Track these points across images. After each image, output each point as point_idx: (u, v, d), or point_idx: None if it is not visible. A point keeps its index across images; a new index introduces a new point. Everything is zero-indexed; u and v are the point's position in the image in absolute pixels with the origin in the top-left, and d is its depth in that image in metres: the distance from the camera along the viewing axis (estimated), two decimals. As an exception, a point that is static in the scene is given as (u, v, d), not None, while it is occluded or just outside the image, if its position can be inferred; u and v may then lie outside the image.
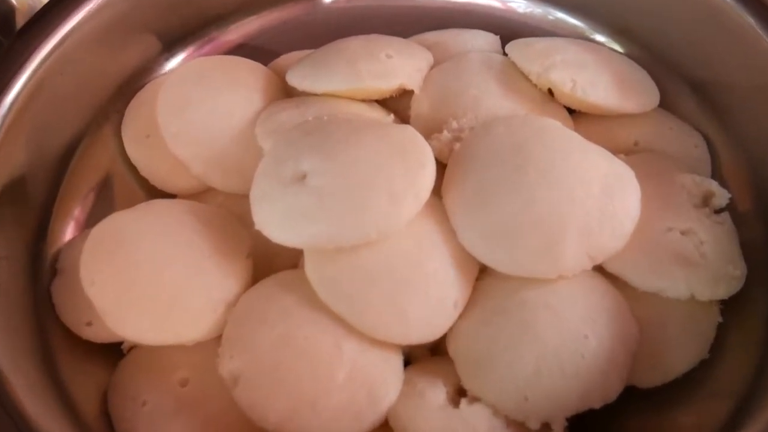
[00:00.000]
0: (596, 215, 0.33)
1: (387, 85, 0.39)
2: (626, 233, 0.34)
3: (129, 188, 0.41)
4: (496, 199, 0.33)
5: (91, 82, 0.40)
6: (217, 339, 0.33)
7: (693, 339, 0.34)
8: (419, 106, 0.40)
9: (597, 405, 0.31)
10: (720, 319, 0.35)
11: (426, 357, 0.36)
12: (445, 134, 0.38)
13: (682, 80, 0.42)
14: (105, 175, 0.41)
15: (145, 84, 0.43)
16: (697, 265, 0.34)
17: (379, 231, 0.32)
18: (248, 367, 0.31)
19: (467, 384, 0.32)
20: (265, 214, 0.33)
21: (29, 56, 0.36)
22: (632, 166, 0.36)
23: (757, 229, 0.38)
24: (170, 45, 0.44)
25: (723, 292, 0.34)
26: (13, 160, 0.36)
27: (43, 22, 0.37)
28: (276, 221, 0.33)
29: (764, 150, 0.39)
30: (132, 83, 0.43)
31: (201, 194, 0.40)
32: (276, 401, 0.31)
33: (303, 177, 0.33)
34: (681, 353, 0.34)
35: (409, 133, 0.35)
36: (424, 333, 0.33)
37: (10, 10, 0.41)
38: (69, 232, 0.38)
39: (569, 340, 0.32)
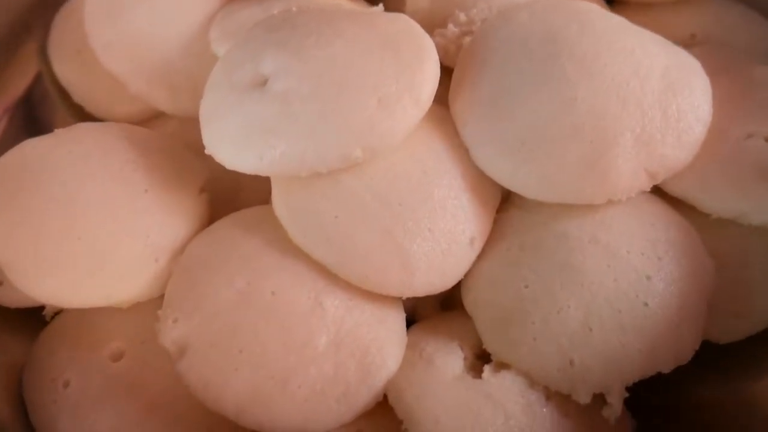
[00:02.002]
0: (656, 117, 0.25)
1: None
2: (695, 141, 0.25)
3: (57, 119, 0.32)
4: (520, 101, 0.25)
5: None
6: (159, 300, 0.25)
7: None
8: (417, 2, 0.32)
9: (667, 368, 0.23)
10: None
11: (435, 313, 0.28)
12: (451, 28, 0.30)
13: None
14: (24, 101, 0.32)
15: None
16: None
17: (366, 148, 0.24)
18: (198, 334, 0.23)
19: (491, 346, 0.24)
20: (217, 133, 0.25)
21: None
22: (696, 59, 0.27)
23: None
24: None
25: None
26: None
27: None
28: (230, 140, 0.25)
29: None
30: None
31: (148, 122, 0.32)
32: (235, 379, 0.23)
33: (264, 82, 0.25)
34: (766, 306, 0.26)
35: (403, 21, 0.27)
36: (432, 281, 0.25)
37: None
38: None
39: (627, 284, 0.24)
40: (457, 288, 0.26)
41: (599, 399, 0.23)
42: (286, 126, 0.24)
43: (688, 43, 0.31)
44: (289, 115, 0.24)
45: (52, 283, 0.24)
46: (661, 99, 0.25)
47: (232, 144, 0.25)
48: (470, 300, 0.26)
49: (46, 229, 0.24)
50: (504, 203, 0.27)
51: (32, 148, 0.26)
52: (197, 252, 0.25)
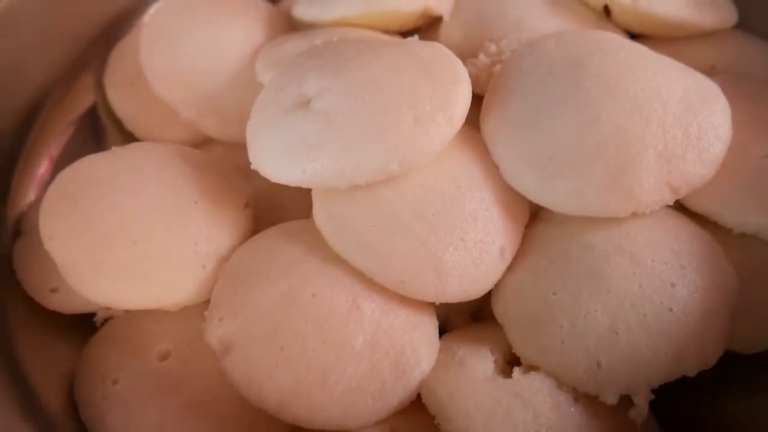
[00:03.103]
0: (678, 135, 0.26)
1: (409, 5, 0.33)
2: (716, 157, 0.27)
3: (109, 146, 0.35)
4: (547, 120, 0.27)
5: (68, 24, 0.35)
6: (205, 304, 0.26)
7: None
8: (450, 35, 0.34)
9: (692, 372, 0.24)
10: (838, 268, 0.27)
11: (467, 324, 0.29)
12: (482, 58, 0.31)
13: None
14: (81, 129, 0.35)
15: (130, 30, 0.37)
16: (808, 198, 0.27)
17: (403, 162, 0.25)
18: (242, 333, 0.25)
19: (520, 350, 0.25)
20: (263, 149, 0.27)
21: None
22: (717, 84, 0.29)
23: None
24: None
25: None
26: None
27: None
28: (275, 155, 0.26)
29: None
30: (116, 29, 0.37)
31: (196, 147, 0.34)
32: (277, 375, 0.24)
33: (307, 102, 0.27)
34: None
35: (437, 48, 0.28)
36: (464, 288, 0.26)
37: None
38: (34, 194, 0.32)
39: (651, 290, 0.25)
40: (487, 302, 0.28)
41: (626, 401, 0.24)
42: (328, 141, 0.26)
43: (708, 72, 0.33)
44: (331, 131, 0.26)
45: (107, 285, 0.26)
46: (681, 118, 0.27)
47: (277, 158, 0.26)
48: (500, 309, 0.27)
49: (102, 234, 0.26)
50: (532, 219, 0.29)
51: (91, 162, 0.28)
52: (242, 259, 0.27)
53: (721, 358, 0.26)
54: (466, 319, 0.29)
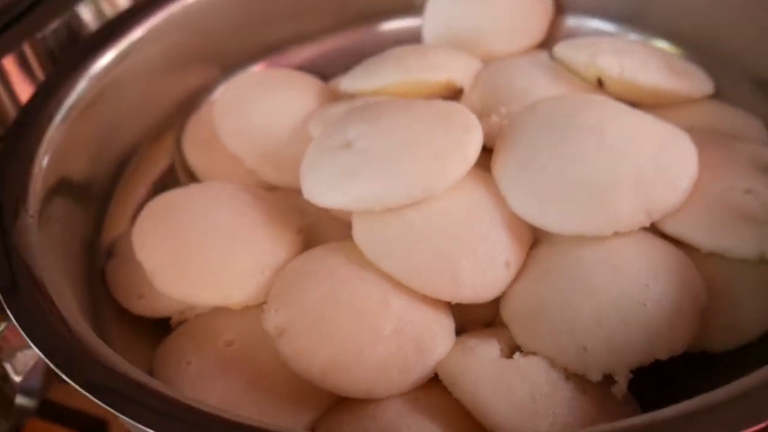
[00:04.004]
0: (650, 169, 0.32)
1: (435, 76, 0.40)
2: (684, 187, 0.32)
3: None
4: (543, 159, 0.33)
5: (154, 95, 0.43)
6: (261, 305, 0.32)
7: (766, 303, 0.32)
8: (469, 102, 0.41)
9: (664, 356, 0.29)
10: (796, 283, 0.32)
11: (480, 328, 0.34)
12: (494, 118, 0.38)
13: (740, 75, 0.41)
14: (162, 178, 0.42)
15: (204, 102, 0.45)
16: (765, 223, 0.32)
17: (424, 189, 0.32)
18: (293, 320, 0.31)
19: (521, 339, 0.31)
20: (313, 181, 0.33)
21: (94, 59, 0.39)
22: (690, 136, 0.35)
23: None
24: (229, 68, 0.46)
25: (795, 252, 0.32)
26: (75, 156, 0.37)
27: (111, 28, 0.40)
28: (323, 185, 0.33)
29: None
30: (193, 101, 0.45)
31: (257, 192, 0.41)
32: (320, 351, 0.30)
33: (348, 144, 0.33)
34: (753, 315, 0.31)
35: (456, 105, 0.35)
36: (476, 290, 0.31)
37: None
38: (123, 226, 0.39)
39: (629, 290, 0.30)
40: (497, 315, 0.33)
41: (609, 379, 0.29)
42: (364, 173, 0.32)
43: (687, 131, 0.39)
44: (367, 165, 0.32)
45: (186, 285, 0.32)
46: (654, 157, 0.33)
47: (324, 187, 0.33)
48: (506, 312, 0.32)
49: (183, 246, 0.33)
50: (536, 242, 0.34)
51: (175, 193, 0.35)
52: (294, 267, 0.33)
53: (695, 357, 0.31)
54: (479, 327, 0.34)
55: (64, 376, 0.24)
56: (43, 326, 0.26)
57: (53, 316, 0.26)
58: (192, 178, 0.42)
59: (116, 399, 0.23)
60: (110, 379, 0.24)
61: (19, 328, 0.25)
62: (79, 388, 0.24)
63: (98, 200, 0.38)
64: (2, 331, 0.29)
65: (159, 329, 0.35)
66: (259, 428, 0.23)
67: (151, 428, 0.22)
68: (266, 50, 0.47)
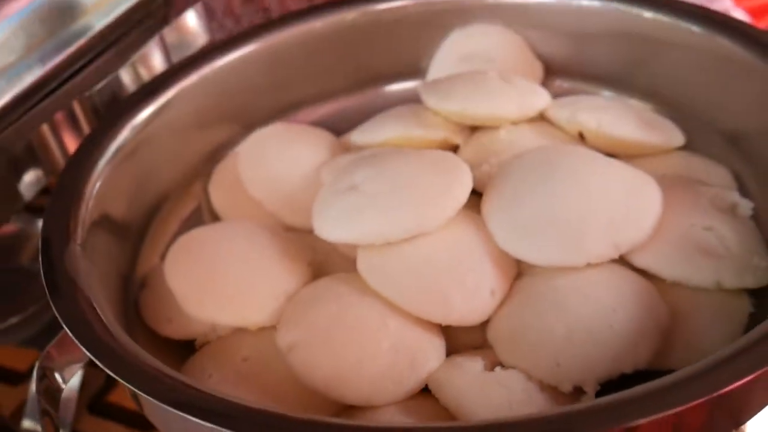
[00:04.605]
0: (619, 209, 0.37)
1: (432, 135, 0.45)
2: (649, 225, 0.37)
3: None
4: (526, 201, 0.38)
5: (185, 147, 0.48)
6: (273, 328, 0.37)
7: (724, 326, 0.36)
8: (464, 156, 0.45)
9: (628, 369, 0.33)
10: (751, 309, 0.36)
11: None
12: (485, 166, 0.43)
13: (712, 130, 0.45)
14: (190, 218, 0.47)
15: (229, 154, 0.50)
16: (722, 256, 0.37)
17: (419, 226, 0.36)
18: (302, 338, 0.35)
19: (502, 357, 0.35)
20: (323, 219, 0.38)
21: (133, 115, 0.44)
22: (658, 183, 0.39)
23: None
24: (252, 124, 0.51)
25: (750, 281, 0.36)
26: (115, 198, 0.42)
27: (148, 89, 0.46)
28: (331, 222, 0.38)
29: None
30: (219, 152, 0.50)
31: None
32: (325, 365, 0.34)
33: (355, 187, 0.38)
34: (711, 337, 0.35)
35: (448, 154, 0.40)
36: (463, 314, 0.36)
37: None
38: (154, 261, 0.44)
39: (598, 313, 0.34)
40: (486, 341, 0.37)
41: (578, 389, 0.33)
42: (368, 212, 0.37)
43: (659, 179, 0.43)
44: (370, 206, 0.37)
45: (211, 308, 0.37)
46: (623, 197, 0.37)
47: (332, 224, 0.37)
48: (491, 335, 0.36)
49: (208, 273, 0.37)
50: (519, 275, 0.39)
51: (202, 228, 0.40)
52: (305, 293, 0.37)
53: (658, 374, 0.35)
54: (468, 350, 0.38)
55: (111, 373, 0.28)
56: (89, 331, 0.30)
57: (98, 323, 0.31)
58: (216, 218, 0.47)
59: (163, 393, 0.28)
60: (155, 378, 0.28)
61: (69, 331, 0.30)
62: (127, 384, 0.28)
63: (134, 237, 0.43)
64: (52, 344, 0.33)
65: (185, 350, 0.39)
66: (297, 418, 0.26)
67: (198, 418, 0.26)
68: (285, 108, 0.52)
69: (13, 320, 0.60)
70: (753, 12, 0.90)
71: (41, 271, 0.34)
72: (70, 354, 0.35)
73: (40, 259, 0.34)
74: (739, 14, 0.88)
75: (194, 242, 0.40)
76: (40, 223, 0.66)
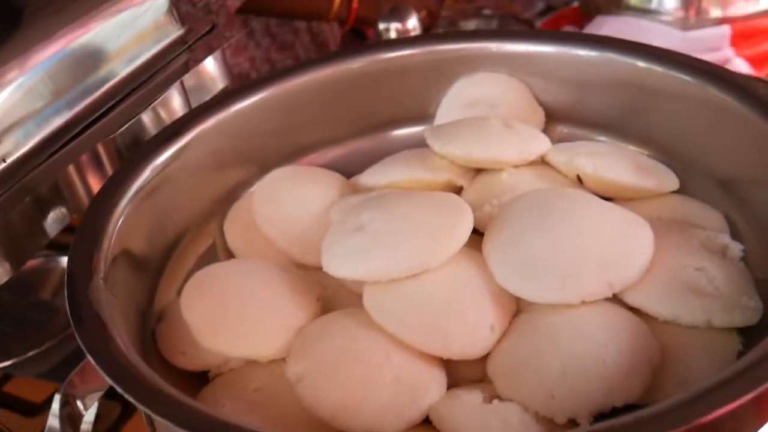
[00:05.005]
0: (613, 249, 0.38)
1: (437, 178, 0.47)
2: (641, 265, 0.38)
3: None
4: (523, 240, 0.40)
5: (202, 187, 0.50)
6: (283, 361, 0.39)
7: (714, 363, 0.37)
8: (467, 197, 0.48)
9: (619, 403, 0.34)
10: (740, 347, 0.38)
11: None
12: (487, 207, 0.45)
13: (705, 175, 0.47)
14: (206, 256, 0.49)
15: (243, 194, 0.53)
16: (712, 296, 0.38)
17: (422, 264, 0.38)
18: (310, 369, 0.37)
19: (501, 390, 0.36)
20: (331, 257, 0.40)
21: (153, 157, 0.47)
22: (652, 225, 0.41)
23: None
24: (265, 167, 0.53)
25: (739, 319, 0.38)
26: (135, 235, 0.44)
27: (168, 132, 0.48)
28: (339, 260, 0.40)
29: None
30: (234, 192, 0.52)
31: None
32: (332, 396, 0.36)
33: (362, 227, 0.40)
34: (700, 373, 0.37)
35: (450, 195, 0.43)
36: (464, 348, 0.38)
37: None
38: (171, 296, 0.46)
39: (592, 349, 0.36)
40: (486, 375, 0.39)
41: (572, 422, 0.34)
42: (374, 250, 0.39)
43: (653, 221, 0.45)
44: (376, 244, 0.39)
45: (224, 340, 0.39)
46: (616, 239, 0.39)
47: (341, 262, 0.40)
48: (490, 369, 0.38)
49: (222, 307, 0.40)
50: (517, 311, 0.40)
51: (216, 266, 0.43)
52: (313, 327, 0.39)
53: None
54: (469, 384, 0.40)
55: (132, 399, 0.30)
56: (111, 360, 0.32)
57: (119, 354, 0.33)
58: (230, 256, 0.49)
59: (181, 418, 0.29)
60: (173, 405, 0.30)
61: (92, 360, 0.32)
62: (146, 409, 0.30)
63: (153, 272, 0.45)
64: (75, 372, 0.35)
65: (198, 380, 0.41)
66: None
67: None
68: (297, 151, 0.55)
69: (32, 353, 0.62)
70: (753, 60, 0.92)
71: (66, 304, 0.36)
72: (92, 383, 0.37)
73: (65, 292, 0.36)
74: (740, 63, 0.91)
75: (209, 278, 0.42)
76: (60, 258, 0.69)
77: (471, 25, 1.26)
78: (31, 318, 0.68)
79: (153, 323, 0.44)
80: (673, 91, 0.48)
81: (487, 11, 1.35)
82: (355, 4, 1.00)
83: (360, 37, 1.07)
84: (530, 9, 1.42)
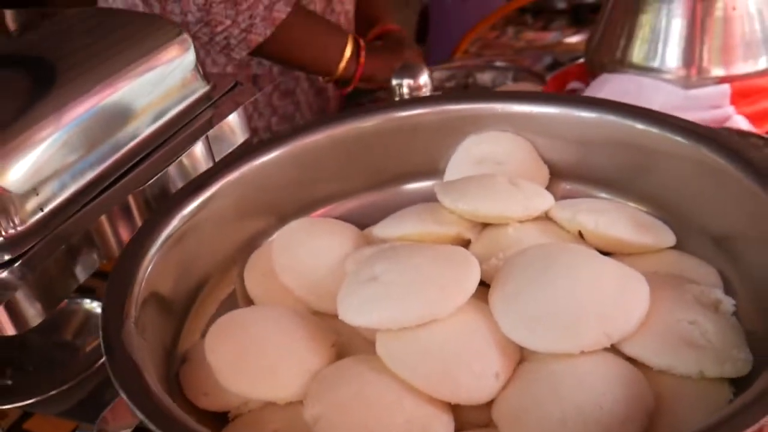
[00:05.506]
0: (611, 302, 0.41)
1: (446, 231, 0.50)
2: (638, 318, 0.41)
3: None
4: (527, 293, 0.42)
5: (224, 236, 0.53)
6: (300, 403, 0.41)
7: (706, 411, 0.39)
8: (474, 250, 0.51)
9: (616, 449, 0.37)
10: (731, 397, 0.40)
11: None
12: (493, 260, 0.48)
13: (701, 232, 0.50)
14: (227, 302, 0.52)
15: (263, 244, 0.56)
16: (705, 348, 0.41)
17: (432, 314, 0.41)
18: (326, 412, 0.39)
19: (503, 431, 0.39)
20: (346, 305, 0.43)
21: (180, 208, 0.50)
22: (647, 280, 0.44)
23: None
24: (283, 217, 0.56)
25: (730, 371, 0.40)
26: (163, 280, 0.47)
27: (194, 185, 0.51)
28: (354, 308, 0.43)
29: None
30: (254, 242, 0.55)
31: (302, 317, 0.50)
32: (347, 435, 0.38)
33: (376, 278, 0.43)
34: (693, 421, 0.39)
35: (460, 249, 0.45)
36: (470, 394, 0.40)
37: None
38: (195, 338, 0.49)
39: (590, 396, 0.38)
40: (491, 420, 0.41)
41: (572, 465, 0.37)
42: (387, 300, 0.42)
43: (650, 276, 0.48)
44: (389, 294, 0.42)
45: (245, 383, 0.41)
46: (614, 293, 0.42)
47: (355, 310, 0.42)
48: (495, 415, 0.40)
49: (244, 352, 0.42)
50: (522, 360, 0.43)
51: (239, 312, 0.45)
52: (329, 371, 0.42)
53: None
54: (475, 428, 0.42)
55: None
56: (143, 399, 0.35)
57: (149, 391, 0.36)
58: (249, 301, 0.52)
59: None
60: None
61: (126, 398, 0.34)
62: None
63: (177, 316, 0.48)
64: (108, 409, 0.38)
65: (219, 421, 0.44)
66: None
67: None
68: (314, 203, 0.58)
69: (53, 392, 0.64)
70: (753, 118, 0.95)
71: (102, 347, 0.38)
72: (122, 420, 0.39)
73: (100, 336, 0.39)
74: (740, 120, 0.94)
75: (232, 323, 0.44)
76: (83, 300, 0.72)
77: (486, 77, 1.30)
78: (54, 358, 0.70)
79: (177, 364, 0.46)
80: (669, 152, 0.51)
81: (500, 63, 1.39)
82: (362, 60, 1.04)
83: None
84: (539, 62, 1.47)
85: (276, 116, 1.17)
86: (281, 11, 0.92)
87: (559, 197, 0.55)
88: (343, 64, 0.99)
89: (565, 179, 0.57)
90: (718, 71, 0.96)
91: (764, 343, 0.42)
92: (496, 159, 0.57)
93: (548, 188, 0.56)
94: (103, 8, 0.99)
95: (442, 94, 0.93)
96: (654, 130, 0.51)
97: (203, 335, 0.46)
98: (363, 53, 1.00)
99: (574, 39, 1.53)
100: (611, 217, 0.49)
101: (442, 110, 0.58)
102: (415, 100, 0.62)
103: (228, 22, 0.89)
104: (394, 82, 0.92)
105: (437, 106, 0.58)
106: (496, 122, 0.58)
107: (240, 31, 0.90)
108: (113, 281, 0.43)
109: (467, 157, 0.58)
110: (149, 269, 0.45)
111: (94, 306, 0.73)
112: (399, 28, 1.30)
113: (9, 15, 0.67)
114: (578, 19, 1.61)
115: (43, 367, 0.69)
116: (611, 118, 0.54)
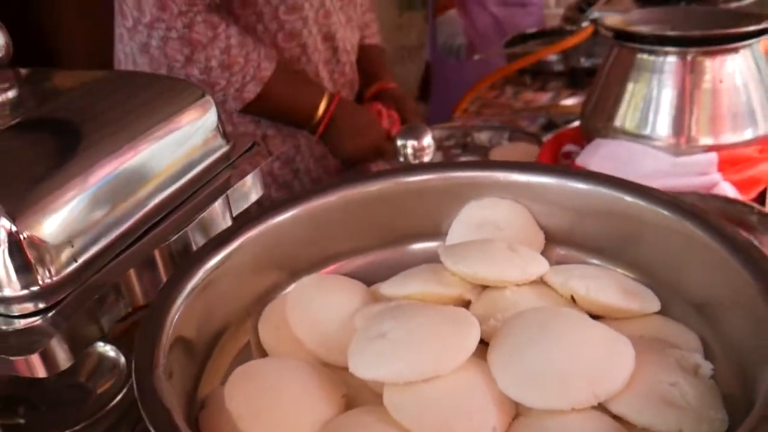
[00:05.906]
0: (599, 364, 0.45)
1: (449, 292, 0.54)
2: (623, 378, 0.45)
3: (259, 364, 0.55)
4: (523, 353, 0.46)
5: (242, 289, 0.57)
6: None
7: (685, 469, 0.43)
8: (475, 311, 0.55)
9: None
10: (708, 455, 0.44)
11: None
12: (492, 321, 0.52)
13: (684, 299, 0.54)
14: (244, 351, 0.55)
15: (276, 297, 0.59)
16: (684, 409, 0.45)
17: (435, 370, 0.45)
18: (336, 456, 0.43)
19: (502, 479, 0.42)
20: (357, 360, 0.47)
21: (202, 263, 0.54)
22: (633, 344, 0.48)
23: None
24: (296, 272, 0.60)
25: (707, 430, 0.44)
26: (186, 330, 0.51)
27: (215, 242, 0.55)
28: (364, 363, 0.46)
29: (751, 355, 0.49)
30: (269, 295, 0.59)
31: (311, 369, 0.54)
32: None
33: (384, 335, 0.47)
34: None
35: (460, 309, 0.49)
36: (470, 446, 0.44)
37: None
38: (214, 385, 0.52)
39: (579, 449, 0.42)
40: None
41: None
42: (394, 356, 0.45)
43: (636, 340, 0.52)
44: (396, 351, 0.46)
45: (262, 429, 0.45)
46: (601, 354, 0.45)
47: (365, 365, 0.46)
48: (492, 465, 0.44)
49: (260, 401, 0.46)
50: (516, 414, 0.47)
51: (256, 362, 0.49)
52: (338, 421, 0.46)
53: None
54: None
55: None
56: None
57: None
58: (262, 352, 0.56)
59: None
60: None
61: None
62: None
63: (198, 363, 0.52)
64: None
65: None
66: None
67: None
68: (325, 260, 0.62)
69: (65, 432, 0.67)
70: (740, 185, 1.00)
71: (136, 392, 0.42)
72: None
73: (134, 382, 0.43)
74: (727, 186, 0.99)
75: (250, 373, 0.48)
76: (96, 344, 0.75)
77: (483, 136, 1.36)
78: (66, 399, 0.73)
79: (196, 408, 0.50)
80: (656, 224, 0.56)
81: (496, 123, 1.45)
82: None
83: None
84: (534, 123, 1.53)
85: (275, 184, 1.24)
86: (267, 69, 1.07)
87: (553, 262, 0.59)
88: (321, 110, 1.10)
89: (560, 245, 0.62)
90: (706, 140, 1.01)
91: (740, 404, 0.46)
92: (496, 224, 0.61)
93: (543, 253, 0.60)
94: (129, 71, 1.08)
95: (446, 161, 0.98)
96: (642, 203, 0.56)
97: (222, 382, 0.50)
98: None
99: (569, 101, 1.60)
100: (601, 284, 0.53)
101: (447, 177, 0.63)
102: (422, 167, 0.66)
103: (223, 83, 1.06)
104: (399, 143, 0.98)
105: (442, 172, 0.63)
106: (496, 189, 0.63)
107: (234, 90, 1.07)
108: (145, 330, 0.47)
109: (469, 220, 0.62)
110: (176, 318, 0.49)
111: (107, 349, 0.76)
112: (396, 86, 1.37)
113: (30, 73, 0.70)
114: (575, 81, 1.68)
115: (55, 409, 0.72)
116: (603, 189, 0.58)
